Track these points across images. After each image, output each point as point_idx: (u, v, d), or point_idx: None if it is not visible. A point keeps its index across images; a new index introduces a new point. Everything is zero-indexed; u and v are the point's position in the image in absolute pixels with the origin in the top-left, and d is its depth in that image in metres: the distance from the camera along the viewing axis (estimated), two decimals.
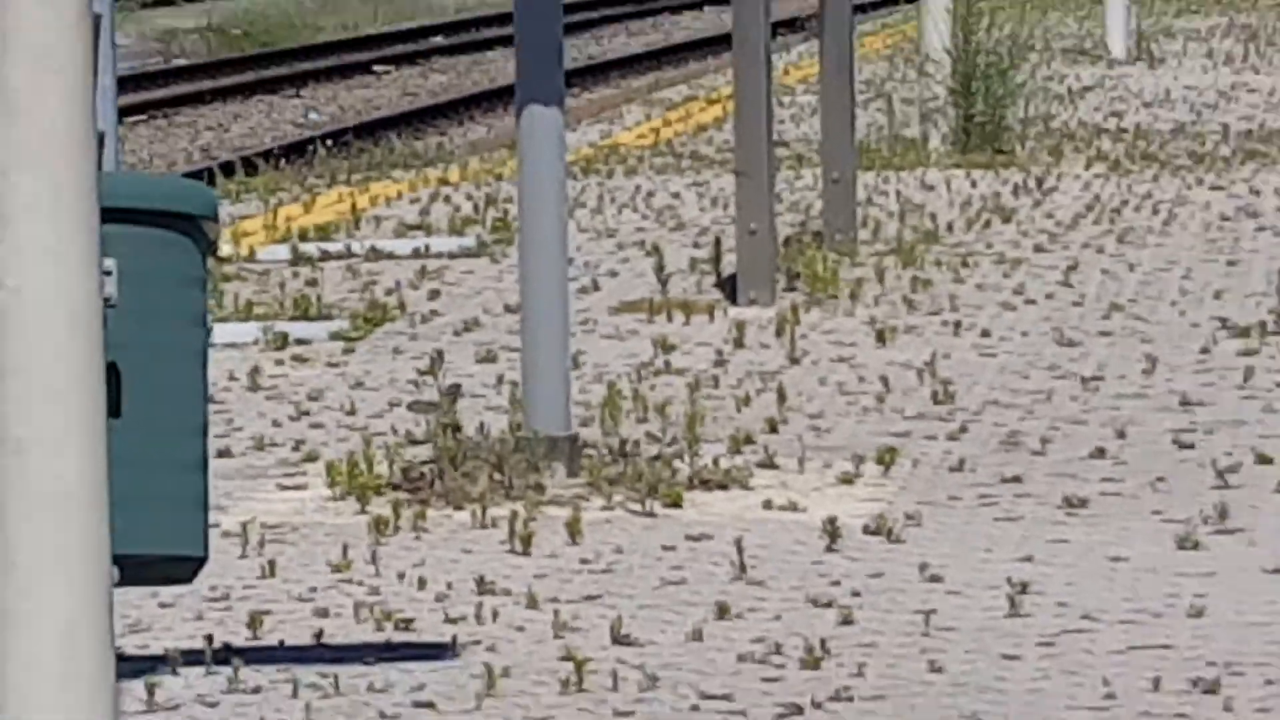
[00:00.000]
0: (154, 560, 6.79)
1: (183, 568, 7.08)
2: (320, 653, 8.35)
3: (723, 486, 10.13)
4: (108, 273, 5.97)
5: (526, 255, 10.46)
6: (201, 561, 7.01)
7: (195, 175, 22.84)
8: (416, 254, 15.94)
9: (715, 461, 10.51)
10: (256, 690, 7.78)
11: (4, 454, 5.82)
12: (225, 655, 7.98)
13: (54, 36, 5.89)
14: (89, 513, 5.48)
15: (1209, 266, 15.37)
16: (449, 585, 8.91)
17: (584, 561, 9.17)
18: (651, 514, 9.85)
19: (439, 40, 44.35)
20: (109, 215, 6.07)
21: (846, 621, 8.40)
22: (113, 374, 5.92)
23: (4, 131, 5.53)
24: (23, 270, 5.84)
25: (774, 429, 11.36)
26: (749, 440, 11.01)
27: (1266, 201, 17.96)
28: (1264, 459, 10.46)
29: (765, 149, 14.41)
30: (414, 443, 10.87)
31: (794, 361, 12.78)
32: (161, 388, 6.76)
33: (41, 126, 5.74)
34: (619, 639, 8.15)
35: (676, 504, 9.84)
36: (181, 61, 39.97)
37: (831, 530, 9.41)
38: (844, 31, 16.61)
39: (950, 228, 16.79)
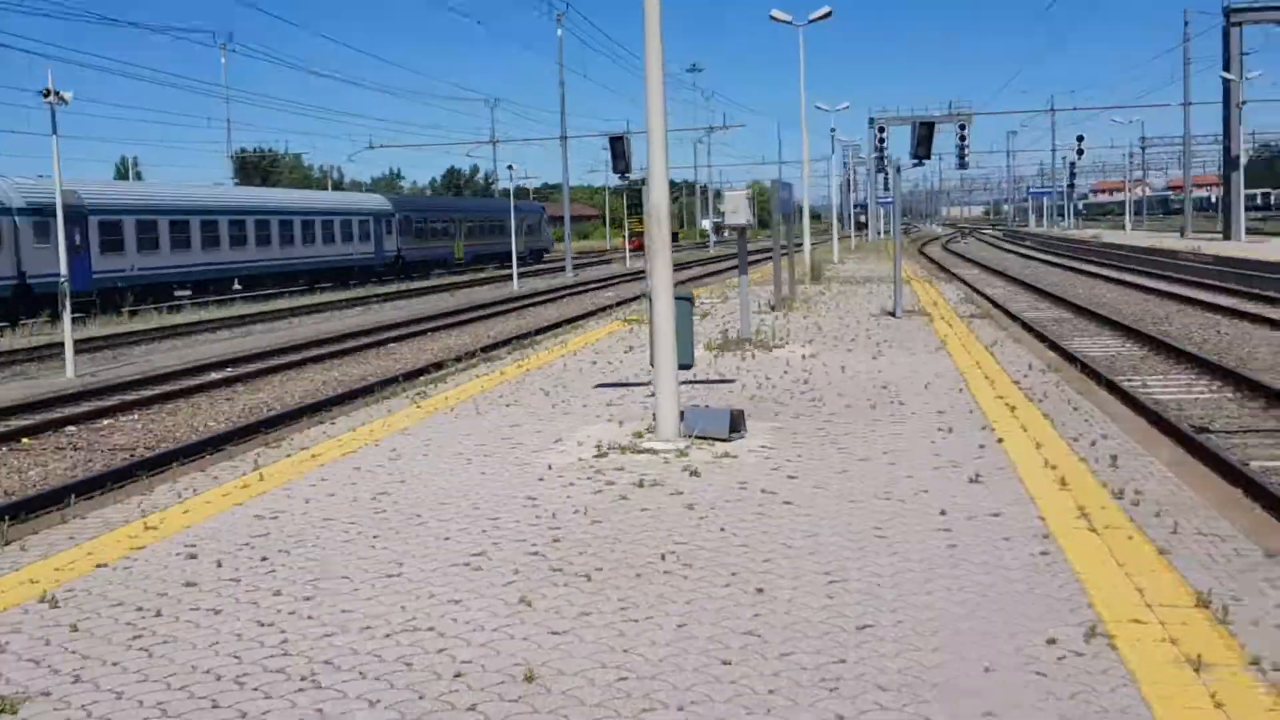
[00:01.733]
0: (683, 365, 8.52)
1: (688, 369, 8.93)
2: (719, 380, 10.00)
3: (782, 347, 12.96)
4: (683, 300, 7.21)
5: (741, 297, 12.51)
6: (691, 365, 8.79)
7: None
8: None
9: (780, 342, 13.21)
10: (711, 390, 9.50)
11: (657, 334, 7.37)
12: (690, 381, 9.78)
13: (664, 219, 7.21)
14: (670, 350, 7.54)
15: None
16: (737, 369, 11.26)
17: (759, 364, 11.55)
18: (768, 351, 12.63)
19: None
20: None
21: (810, 374, 10.72)
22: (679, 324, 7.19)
23: (657, 254, 6.79)
24: (659, 298, 7.24)
25: (789, 335, 14.07)
26: (784, 337, 13.69)
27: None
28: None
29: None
30: (717, 342, 13.16)
31: (788, 323, 15.43)
32: (684, 325, 8.58)
33: (661, 261, 7.20)
34: (760, 385, 10.01)
35: (770, 350, 12.65)
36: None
37: (803, 356, 12.11)
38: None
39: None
